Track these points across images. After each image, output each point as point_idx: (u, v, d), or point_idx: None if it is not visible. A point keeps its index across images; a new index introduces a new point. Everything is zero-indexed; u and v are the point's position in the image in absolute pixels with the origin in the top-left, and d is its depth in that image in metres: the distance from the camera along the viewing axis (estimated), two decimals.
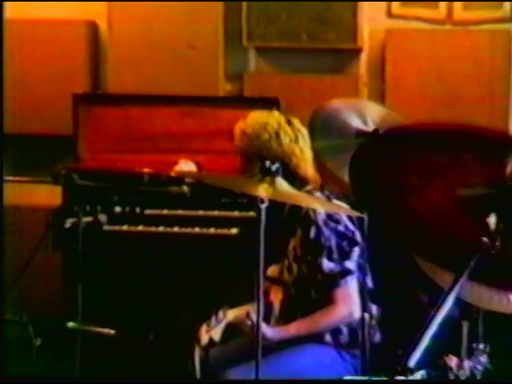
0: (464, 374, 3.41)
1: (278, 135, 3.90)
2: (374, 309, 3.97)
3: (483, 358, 3.56)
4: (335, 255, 3.83)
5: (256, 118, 3.98)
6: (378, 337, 3.99)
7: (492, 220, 2.34)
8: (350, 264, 3.84)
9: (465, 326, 3.58)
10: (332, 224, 3.85)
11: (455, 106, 5.50)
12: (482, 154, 2.27)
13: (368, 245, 3.85)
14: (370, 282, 3.94)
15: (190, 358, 3.91)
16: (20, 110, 5.87)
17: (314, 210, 3.82)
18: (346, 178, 3.72)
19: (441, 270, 3.09)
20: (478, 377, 3.46)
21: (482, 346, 3.59)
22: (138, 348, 4.89)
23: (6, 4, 5.95)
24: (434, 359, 2.34)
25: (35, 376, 4.31)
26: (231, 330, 3.94)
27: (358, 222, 3.87)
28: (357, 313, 3.83)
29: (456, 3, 5.60)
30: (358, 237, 3.88)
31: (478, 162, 2.32)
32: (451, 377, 3.37)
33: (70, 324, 3.93)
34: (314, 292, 3.90)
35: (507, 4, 5.54)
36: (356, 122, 4.07)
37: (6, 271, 4.95)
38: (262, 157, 3.79)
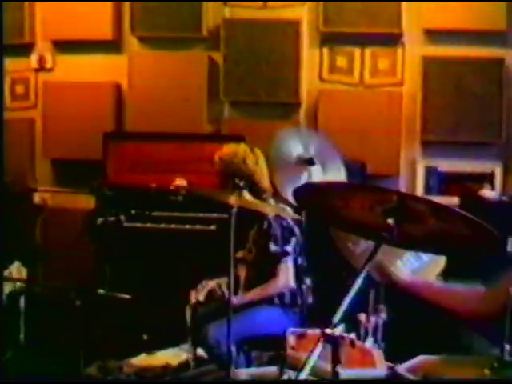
0: (370, 326, 3.41)
1: (244, 160, 3.92)
2: (308, 280, 3.98)
3: (383, 315, 3.56)
4: (279, 241, 3.83)
5: (229, 149, 3.99)
6: (310, 299, 4.00)
7: (391, 221, 2.34)
8: (289, 248, 3.85)
9: (371, 292, 3.58)
10: (278, 220, 3.86)
11: (365, 140, 5.48)
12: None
13: (308, 239, 3.87)
14: (300, 261, 3.93)
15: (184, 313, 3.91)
16: (67, 144, 5.87)
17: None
18: (284, 194, 3.77)
19: (355, 256, 3.08)
20: (380, 328, 3.45)
21: (382, 306, 3.60)
22: (145, 308, 4.84)
23: (58, 69, 5.94)
24: (350, 316, 2.32)
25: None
26: (210, 295, 3.97)
27: (299, 223, 3.91)
28: (292, 282, 3.85)
29: (365, 72, 5.62)
30: (296, 230, 3.90)
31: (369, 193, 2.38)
32: (362, 329, 3.36)
33: (100, 291, 3.88)
34: (265, 267, 3.87)
35: (399, 73, 5.56)
36: (297, 150, 4.06)
37: (54, 255, 4.87)
38: (234, 175, 3.82)
